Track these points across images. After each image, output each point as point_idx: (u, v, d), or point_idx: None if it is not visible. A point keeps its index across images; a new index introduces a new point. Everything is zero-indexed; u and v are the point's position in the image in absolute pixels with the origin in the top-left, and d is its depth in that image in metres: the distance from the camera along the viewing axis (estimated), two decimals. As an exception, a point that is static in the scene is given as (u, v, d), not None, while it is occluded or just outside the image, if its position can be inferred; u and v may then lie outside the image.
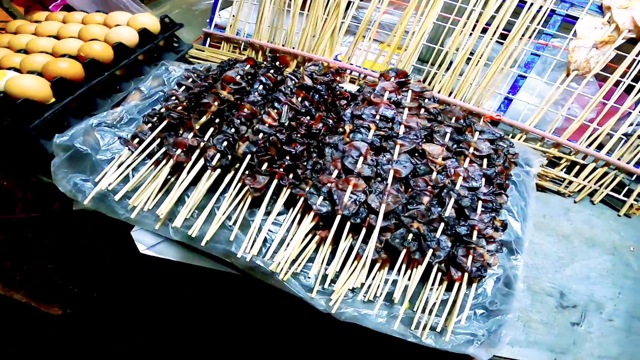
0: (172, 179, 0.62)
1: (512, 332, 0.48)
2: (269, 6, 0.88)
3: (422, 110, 0.62)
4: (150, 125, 0.69)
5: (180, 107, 0.69)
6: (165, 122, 0.66)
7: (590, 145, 0.69)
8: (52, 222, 0.96)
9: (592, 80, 0.72)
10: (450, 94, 0.78)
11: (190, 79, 0.77)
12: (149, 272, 0.89)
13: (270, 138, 0.59)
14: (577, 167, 0.70)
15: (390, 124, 0.59)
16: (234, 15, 0.93)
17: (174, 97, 0.73)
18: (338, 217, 0.52)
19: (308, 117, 0.61)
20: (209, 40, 0.98)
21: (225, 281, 0.64)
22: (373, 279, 0.52)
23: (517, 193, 0.61)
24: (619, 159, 0.68)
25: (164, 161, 0.62)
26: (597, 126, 0.68)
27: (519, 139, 0.73)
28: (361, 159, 0.56)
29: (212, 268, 0.61)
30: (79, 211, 0.61)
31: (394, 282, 0.52)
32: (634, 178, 0.70)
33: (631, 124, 0.68)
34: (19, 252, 1.07)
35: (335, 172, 0.56)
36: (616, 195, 0.69)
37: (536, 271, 0.54)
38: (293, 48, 0.87)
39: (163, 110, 0.70)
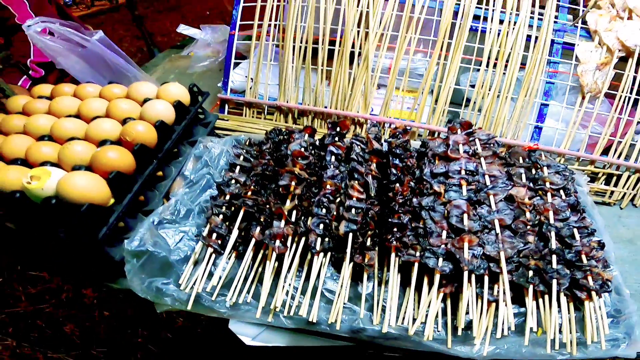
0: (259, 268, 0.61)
1: (642, 331, 0.54)
2: (292, 65, 0.87)
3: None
4: (221, 216, 0.65)
5: (249, 192, 0.66)
6: (242, 212, 0.64)
7: (619, 157, 0.78)
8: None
9: (603, 99, 0.82)
10: (487, 131, 0.83)
11: (242, 157, 0.74)
12: None
13: (369, 213, 0.60)
14: (614, 178, 0.79)
15: (476, 176, 0.63)
16: (252, 79, 0.91)
17: (233, 181, 0.70)
18: (465, 274, 0.54)
19: (397, 184, 0.62)
20: (226, 107, 0.94)
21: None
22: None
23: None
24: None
25: (248, 250, 0.60)
26: (620, 139, 0.78)
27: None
28: (465, 215, 0.58)
29: (325, 345, 0.60)
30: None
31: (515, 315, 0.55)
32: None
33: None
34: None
35: (444, 233, 0.58)
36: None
37: (621, 277, 0.60)
38: (325, 107, 0.87)
39: (228, 196, 0.67)
